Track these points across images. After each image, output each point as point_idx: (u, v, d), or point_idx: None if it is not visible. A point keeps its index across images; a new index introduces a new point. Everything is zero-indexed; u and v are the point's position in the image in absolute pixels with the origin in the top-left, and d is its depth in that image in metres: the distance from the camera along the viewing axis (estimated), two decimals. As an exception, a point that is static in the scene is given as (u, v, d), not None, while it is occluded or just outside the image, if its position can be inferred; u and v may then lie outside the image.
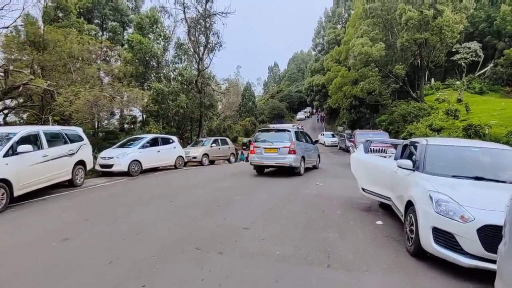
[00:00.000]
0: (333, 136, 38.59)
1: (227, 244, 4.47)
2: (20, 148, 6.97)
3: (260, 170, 11.50)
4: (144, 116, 26.94)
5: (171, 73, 22.70)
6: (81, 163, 9.52)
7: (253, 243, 4.51)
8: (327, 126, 56.23)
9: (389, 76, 23.26)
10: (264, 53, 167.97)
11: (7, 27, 14.29)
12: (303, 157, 11.08)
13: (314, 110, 71.24)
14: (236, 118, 47.10)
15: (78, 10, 22.84)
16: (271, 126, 12.42)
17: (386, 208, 6.36)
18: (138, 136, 13.56)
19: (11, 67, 11.75)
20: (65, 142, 8.91)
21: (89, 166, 10.11)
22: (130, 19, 26.17)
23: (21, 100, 14.70)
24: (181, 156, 14.09)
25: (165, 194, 8.05)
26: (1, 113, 13.02)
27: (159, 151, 12.79)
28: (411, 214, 4.20)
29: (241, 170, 13.48)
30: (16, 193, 6.86)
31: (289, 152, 10.21)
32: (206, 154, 15.77)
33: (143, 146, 12.13)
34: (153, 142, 12.80)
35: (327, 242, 4.58)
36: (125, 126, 27.81)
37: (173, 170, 13.56)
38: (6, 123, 13.07)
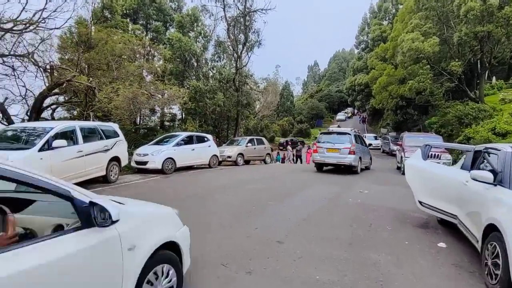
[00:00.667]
0: (376, 138, 36.45)
1: (257, 261, 3.84)
2: (56, 143, 6.95)
3: (320, 167, 12.66)
4: (183, 114, 27.39)
5: (210, 71, 22.67)
6: (116, 159, 9.49)
7: (287, 262, 3.83)
8: (369, 128, 53.42)
9: (443, 74, 21.01)
10: (304, 53, 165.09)
11: (59, 28, 15.01)
12: (360, 158, 12.27)
13: (355, 111, 68.33)
14: (274, 117, 46.46)
15: (124, 11, 23.74)
16: (331, 129, 13.84)
17: (447, 225, 5.29)
18: (173, 133, 13.48)
19: (57, 64, 12.27)
20: (101, 138, 8.90)
21: (124, 162, 10.09)
22: (172, 18, 26.63)
23: (67, 97, 15.40)
24: (215, 155, 13.77)
25: (196, 195, 7.65)
26: (50, 108, 13.65)
27: (193, 149, 12.56)
28: (494, 243, 3.23)
29: (276, 172, 12.78)
30: (50, 188, 6.83)
31: (350, 153, 11.49)
32: (241, 154, 15.31)
33: (178, 144, 11.96)
34: (188, 140, 12.61)
35: (378, 267, 3.76)
36: (165, 123, 28.53)
37: (207, 169, 13.28)
38: (53, 119, 13.68)
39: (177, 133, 13.17)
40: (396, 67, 30.37)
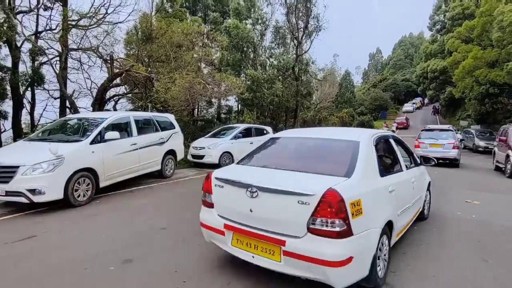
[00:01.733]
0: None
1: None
2: (108, 135, 6.35)
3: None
4: (239, 105, 26.76)
5: (267, 60, 21.43)
6: (172, 152, 8.82)
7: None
8: (442, 120, 47.30)
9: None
10: (365, 40, 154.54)
11: (122, 22, 15.12)
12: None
13: (425, 101, 61.49)
14: (332, 109, 43.85)
15: (183, 3, 23.64)
16: (430, 126, 14.73)
17: None
18: (231, 125, 12.58)
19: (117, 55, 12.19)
20: (156, 130, 8.26)
21: (180, 156, 9.42)
22: (230, 8, 25.92)
23: (129, 89, 15.54)
24: (275, 149, 12.57)
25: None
26: (112, 100, 13.79)
27: (252, 143, 11.47)
28: None
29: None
30: (102, 184, 6.29)
31: (454, 147, 12.45)
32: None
33: (235, 137, 10.99)
34: (246, 133, 11.58)
35: None
36: (222, 116, 28.28)
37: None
38: (115, 110, 13.80)
39: (234, 125, 12.24)
40: (485, 48, 25.69)
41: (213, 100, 27.12)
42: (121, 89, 15.55)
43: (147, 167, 7.77)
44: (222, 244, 3.08)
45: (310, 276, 2.51)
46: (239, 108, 27.13)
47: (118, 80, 13.35)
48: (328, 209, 2.40)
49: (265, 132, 12.39)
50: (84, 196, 5.81)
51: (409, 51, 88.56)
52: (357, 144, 3.17)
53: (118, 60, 12.71)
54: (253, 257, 2.78)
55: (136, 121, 7.54)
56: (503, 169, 12.19)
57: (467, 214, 5.60)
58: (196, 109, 24.97)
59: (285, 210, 2.60)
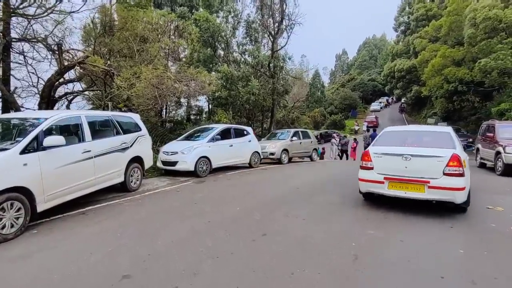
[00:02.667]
0: (423, 129, 32.56)
1: None
2: (49, 140, 4.70)
3: None
4: (210, 106, 25.20)
5: (241, 55, 20.12)
6: (138, 160, 7.24)
7: None
8: (408, 118, 48.92)
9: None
10: (330, 42, 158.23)
11: (76, 11, 13.07)
12: None
13: (391, 100, 63.70)
14: (303, 109, 43.64)
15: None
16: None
17: None
18: (207, 126, 11.12)
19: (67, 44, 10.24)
20: (117, 133, 6.65)
21: (148, 163, 7.84)
22: (197, 1, 24.29)
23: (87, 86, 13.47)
24: (257, 152, 11.30)
25: (247, 215, 5.18)
26: (65, 99, 11.73)
27: (231, 146, 10.15)
28: None
29: (340, 173, 10.03)
30: (41, 207, 4.64)
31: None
32: (285, 150, 12.72)
33: (213, 139, 9.57)
34: (225, 134, 10.20)
35: None
36: (192, 117, 26.51)
37: (248, 169, 10.85)
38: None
39: (211, 126, 10.81)
40: (453, 46, 26.38)
41: (182, 100, 25.39)
42: (77, 87, 13.45)
43: (106, 180, 6.16)
44: (379, 189, 5.24)
45: (442, 198, 4.79)
46: (210, 108, 25.59)
47: (71, 76, 11.37)
48: (455, 162, 4.70)
49: (245, 133, 11.10)
50: (11, 227, 4.16)
51: (373, 52, 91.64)
52: (448, 132, 5.63)
53: (70, 51, 10.76)
54: (405, 193, 4.98)
55: (90, 123, 5.90)
56: (488, 166, 11.98)
57: (499, 224, 4.69)
58: (164, 110, 23.08)
59: (429, 165, 4.85)
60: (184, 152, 8.87)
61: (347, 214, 5.24)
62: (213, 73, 18.24)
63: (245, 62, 19.02)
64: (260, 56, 18.29)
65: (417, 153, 4.97)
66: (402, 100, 55.47)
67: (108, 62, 10.89)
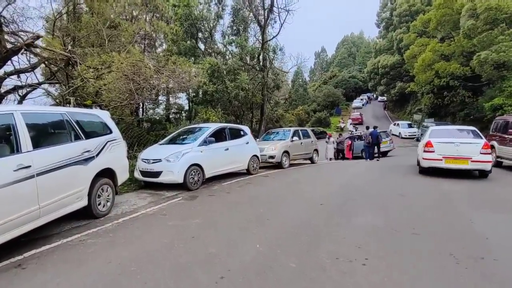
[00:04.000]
0: (410, 126, 32.02)
1: None
2: None
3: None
4: (192, 104, 23.18)
5: (226, 47, 18.22)
6: (108, 173, 5.30)
7: None
8: (391, 115, 48.83)
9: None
10: (309, 40, 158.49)
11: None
12: None
13: (373, 96, 63.97)
14: (286, 106, 42.44)
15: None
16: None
17: None
18: (195, 126, 9.19)
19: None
20: (76, 137, 4.69)
21: (123, 177, 5.90)
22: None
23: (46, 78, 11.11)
24: (256, 156, 9.54)
25: (274, 258, 3.42)
26: (16, 93, 9.41)
27: (227, 149, 8.33)
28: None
29: (356, 179, 8.40)
30: None
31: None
32: (286, 152, 11.03)
33: (206, 142, 7.69)
34: (218, 136, 8.33)
35: None
36: (171, 116, 24.36)
37: (246, 177, 9.06)
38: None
39: (201, 126, 8.90)
40: (442, 40, 25.79)
41: (160, 97, 23.16)
42: (32, 79, 11.07)
43: (60, 207, 4.18)
44: (438, 164, 8.37)
45: (479, 168, 8.17)
46: (191, 106, 23.56)
47: (24, 65, 9.08)
48: (486, 147, 8.07)
49: (242, 133, 9.29)
50: None
51: (352, 49, 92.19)
52: (475, 130, 8.99)
53: (19, 33, 8.48)
54: (455, 165, 8.18)
55: (31, 124, 3.92)
56: (505, 164, 11.02)
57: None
58: (141, 108, 20.84)
59: (471, 148, 8.07)
60: (169, 160, 6.95)
61: (417, 247, 3.62)
62: (194, 67, 16.24)
63: (232, 54, 17.15)
64: (248, 47, 16.47)
65: (463, 141, 8.43)
66: (380, 98, 55.86)
67: (69, 47, 8.72)
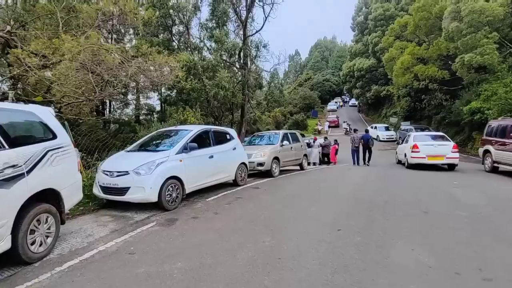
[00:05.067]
0: (387, 129, 32.10)
1: None
2: None
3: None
4: (164, 105, 21.33)
5: (203, 43, 16.68)
6: (49, 196, 3.68)
7: None
8: (366, 118, 49.35)
9: (505, 44, 16.49)
10: (282, 41, 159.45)
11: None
12: None
13: (347, 99, 64.97)
14: (262, 108, 41.39)
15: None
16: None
17: None
18: (173, 128, 7.60)
19: None
20: (-8, 146, 3.06)
21: (73, 198, 4.29)
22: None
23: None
24: (244, 164, 8.12)
25: None
26: None
27: (212, 157, 6.85)
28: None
29: (362, 189, 7.24)
30: None
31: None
32: (276, 159, 9.71)
33: (186, 148, 6.16)
34: (201, 140, 6.84)
35: None
36: (141, 117, 22.31)
37: (233, 189, 7.64)
38: None
39: (180, 128, 7.31)
40: (419, 44, 25.87)
41: (129, 96, 21.13)
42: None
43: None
44: (423, 161, 11.27)
45: (451, 162, 11.32)
46: (164, 107, 21.69)
47: None
48: (455, 147, 11.42)
49: (228, 137, 7.85)
50: None
51: (325, 53, 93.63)
52: (444, 134, 13.03)
53: None
54: (435, 161, 11.30)
55: None
56: (501, 169, 10.66)
57: None
58: (108, 108, 18.74)
59: (445, 148, 11.28)
60: (139, 172, 5.38)
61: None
62: (169, 59, 14.54)
63: (210, 49, 15.64)
64: (228, 43, 15.05)
65: (439, 143, 11.47)
66: (351, 103, 56.88)
67: (9, 28, 6.85)
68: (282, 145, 10.17)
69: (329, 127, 41.66)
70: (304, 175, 10.57)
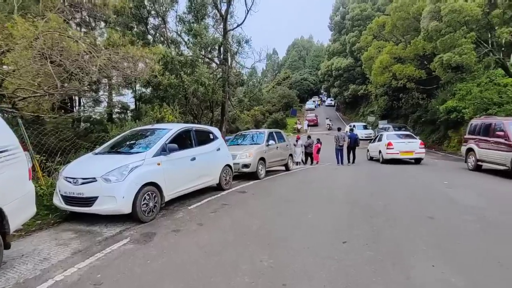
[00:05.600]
0: (365, 128, 32.44)
1: None
2: None
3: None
4: (139, 102, 20.13)
5: (180, 37, 15.76)
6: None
7: None
8: (343, 117, 49.92)
9: (480, 44, 16.86)
10: (260, 40, 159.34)
11: None
12: None
13: (325, 98, 65.67)
14: (241, 107, 40.72)
15: None
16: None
17: None
18: (149, 127, 6.76)
19: None
20: None
21: (22, 215, 3.43)
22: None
23: None
24: (228, 166, 7.42)
25: None
26: None
27: (194, 159, 6.10)
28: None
29: (359, 192, 6.76)
30: None
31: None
32: (262, 159, 9.08)
33: (165, 150, 5.38)
34: (182, 141, 6.06)
35: None
36: (114, 116, 20.95)
37: (217, 193, 6.93)
38: None
39: (157, 127, 6.48)
40: (397, 43, 26.22)
41: (101, 93, 19.75)
42: None
43: None
44: (396, 156, 12.80)
45: (418, 157, 13.00)
46: (138, 105, 20.49)
47: None
48: (422, 144, 13.31)
49: (211, 137, 7.11)
50: None
51: (302, 53, 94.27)
52: (410, 133, 15.56)
53: None
54: (406, 156, 12.92)
55: None
56: (484, 168, 10.69)
57: None
58: (78, 105, 17.35)
59: (413, 145, 12.93)
60: (109, 179, 4.55)
61: None
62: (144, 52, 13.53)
63: (189, 43, 14.76)
64: (208, 37, 14.24)
65: (409, 141, 13.00)
66: (328, 102, 57.54)
67: None
68: (268, 145, 9.56)
69: (308, 125, 41.70)
70: (291, 176, 10.03)
